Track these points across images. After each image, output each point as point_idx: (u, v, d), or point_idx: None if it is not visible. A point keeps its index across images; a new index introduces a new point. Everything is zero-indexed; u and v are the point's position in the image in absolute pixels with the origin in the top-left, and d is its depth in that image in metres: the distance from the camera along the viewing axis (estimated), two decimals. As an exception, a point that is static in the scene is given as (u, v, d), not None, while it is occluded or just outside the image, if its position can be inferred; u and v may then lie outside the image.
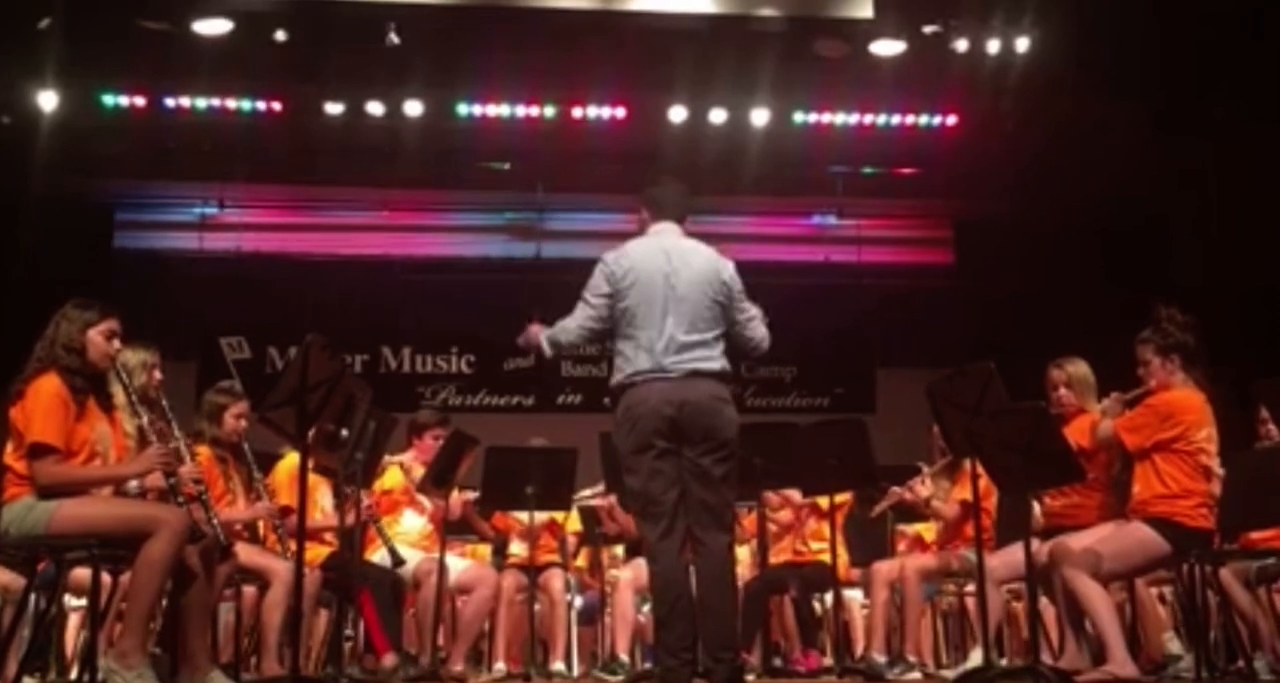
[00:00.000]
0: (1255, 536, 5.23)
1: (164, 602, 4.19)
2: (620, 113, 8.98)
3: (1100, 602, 4.58)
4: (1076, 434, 4.87)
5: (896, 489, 5.96)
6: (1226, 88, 7.82)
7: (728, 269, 4.46)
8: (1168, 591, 5.95)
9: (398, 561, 5.66)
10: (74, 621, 5.73)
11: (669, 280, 4.33)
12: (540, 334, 4.52)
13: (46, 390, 3.99)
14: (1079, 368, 5.15)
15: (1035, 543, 4.67)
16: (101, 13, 7.68)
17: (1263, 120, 7.76)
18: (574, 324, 4.44)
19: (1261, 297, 8.02)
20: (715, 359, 4.32)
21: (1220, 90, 7.85)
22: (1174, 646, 5.50)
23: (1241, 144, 7.96)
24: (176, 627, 4.18)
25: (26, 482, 3.97)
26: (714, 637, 4.15)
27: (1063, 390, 5.11)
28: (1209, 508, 4.63)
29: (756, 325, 4.52)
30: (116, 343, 4.18)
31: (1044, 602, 5.08)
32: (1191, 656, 4.97)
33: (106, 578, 4.41)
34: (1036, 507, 5.36)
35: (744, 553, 6.40)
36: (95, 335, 4.13)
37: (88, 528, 3.93)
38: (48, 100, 8.30)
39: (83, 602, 5.26)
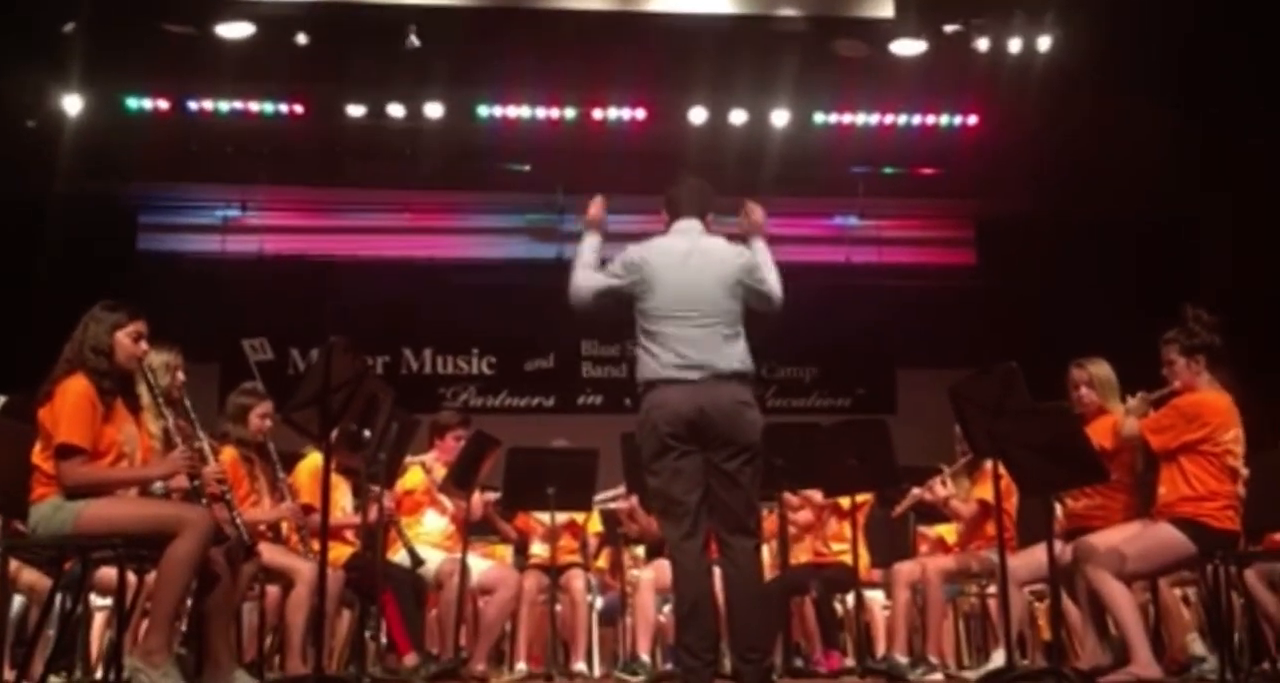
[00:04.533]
0: (1280, 536, 5.20)
1: (189, 602, 4.22)
2: (641, 114, 8.99)
3: (1124, 602, 4.56)
4: (1098, 434, 4.85)
5: (916, 490, 5.95)
6: (1251, 85, 7.77)
7: (744, 256, 4.43)
8: (1191, 592, 5.92)
9: (417, 561, 5.68)
10: (99, 620, 5.77)
11: (689, 280, 4.32)
12: (595, 222, 4.55)
13: (74, 392, 4.02)
14: (1101, 368, 5.13)
15: (1057, 544, 4.65)
16: (125, 16, 7.73)
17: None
18: (589, 274, 4.46)
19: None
20: (737, 359, 4.29)
21: (1244, 87, 7.79)
22: (1198, 647, 5.47)
23: (1267, 142, 7.90)
24: (201, 626, 4.21)
25: (54, 482, 4.00)
26: (742, 638, 4.16)
27: (1084, 390, 5.09)
28: (1235, 510, 4.61)
29: (772, 281, 4.43)
30: (144, 345, 4.22)
31: (1067, 603, 5.06)
32: (1216, 657, 4.94)
33: (132, 578, 4.43)
34: (1058, 508, 5.34)
35: (764, 554, 6.38)
36: (123, 337, 4.16)
37: (114, 528, 3.96)
38: (72, 104, 8.37)
39: (108, 601, 5.29)
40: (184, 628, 4.52)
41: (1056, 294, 9.42)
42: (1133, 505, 4.93)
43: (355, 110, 8.85)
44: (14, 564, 4.64)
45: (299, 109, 8.88)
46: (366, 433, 4.67)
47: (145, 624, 4.22)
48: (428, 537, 6.04)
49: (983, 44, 8.19)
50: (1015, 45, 8.18)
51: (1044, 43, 8.16)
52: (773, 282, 4.44)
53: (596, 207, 4.64)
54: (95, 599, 5.51)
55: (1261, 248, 8.15)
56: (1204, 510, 4.56)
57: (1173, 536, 4.57)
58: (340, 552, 5.58)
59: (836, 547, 6.19)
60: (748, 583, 4.21)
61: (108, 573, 4.51)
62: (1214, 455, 4.60)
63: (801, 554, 6.31)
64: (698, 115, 8.89)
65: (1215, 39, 7.64)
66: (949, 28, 8.14)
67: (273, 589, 5.28)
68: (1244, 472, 4.68)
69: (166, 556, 3.91)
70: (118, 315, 4.19)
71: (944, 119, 9.16)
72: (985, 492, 5.73)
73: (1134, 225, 9.20)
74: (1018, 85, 8.33)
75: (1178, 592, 5.72)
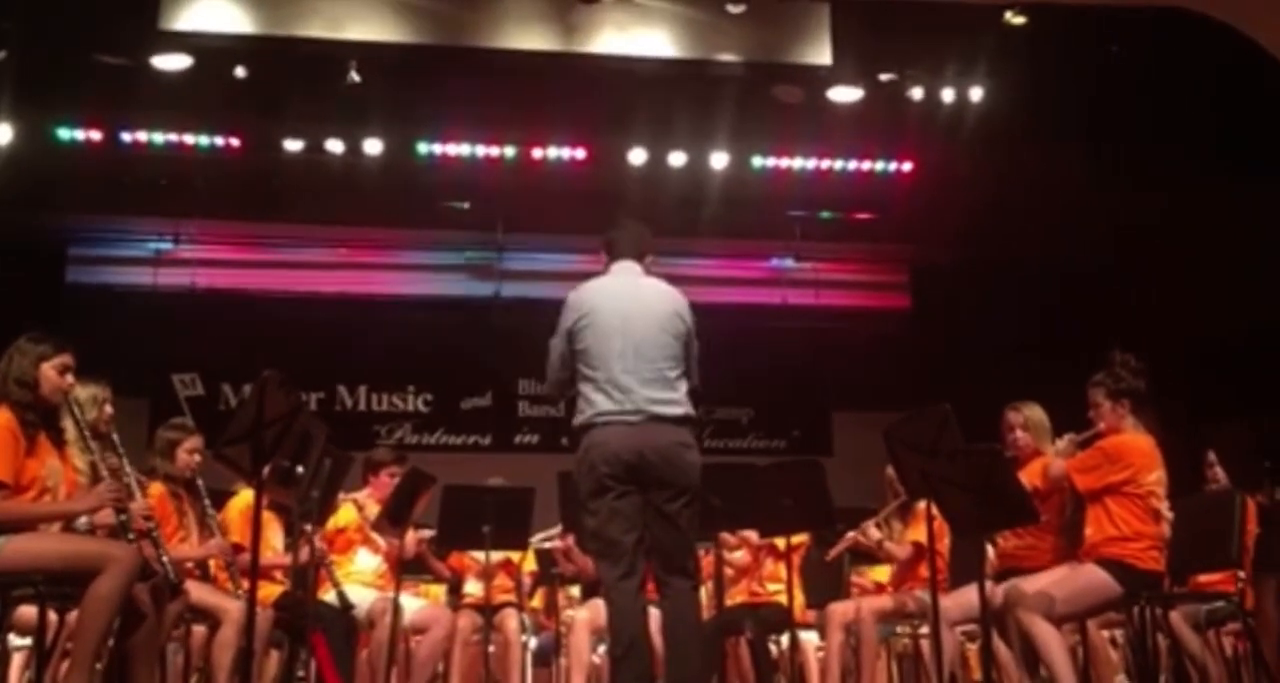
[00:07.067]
0: (1204, 579, 5.30)
1: (111, 641, 4.11)
2: (580, 154, 9.04)
3: (1054, 644, 4.61)
4: (1032, 477, 4.92)
5: (850, 534, 5.98)
6: (1178, 137, 7.99)
7: (684, 307, 4.47)
8: (1119, 633, 5.99)
9: (346, 606, 5.60)
10: (18, 660, 5.60)
11: (627, 320, 4.33)
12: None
13: (-3, 424, 3.94)
14: (1035, 411, 5.21)
15: (989, 584, 4.69)
16: (58, 46, 7.64)
17: (1213, 170, 7.93)
18: (551, 373, 4.48)
19: (1208, 343, 8.16)
20: (677, 402, 4.31)
21: (1172, 139, 8.01)
22: (1125, 688, 5.54)
23: (1193, 192, 8.11)
24: (124, 667, 4.10)
25: (-27, 517, 3.90)
26: (677, 680, 4.14)
27: (1019, 433, 5.17)
28: (1159, 551, 4.69)
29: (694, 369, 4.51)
30: (70, 378, 4.14)
31: (998, 643, 5.09)
32: (1143, 698, 5.00)
33: (53, 616, 4.32)
34: (990, 548, 5.39)
35: (701, 595, 6.37)
36: (48, 370, 4.09)
37: (35, 564, 3.87)
38: (2, 133, 8.23)
39: (27, 641, 5.15)
40: (105, 669, 4.40)
41: (989, 337, 9.56)
42: (1062, 547, 4.99)
43: (293, 145, 8.80)
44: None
45: (235, 143, 8.81)
46: (299, 470, 4.60)
47: (65, 665, 4.11)
48: (360, 575, 5.96)
49: (917, 93, 8.37)
50: (948, 95, 8.37)
51: (976, 93, 8.36)
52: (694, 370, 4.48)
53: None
54: (14, 639, 5.36)
55: (1186, 295, 8.35)
56: (1129, 551, 4.63)
57: (1099, 577, 4.63)
58: (269, 591, 5.47)
59: (771, 587, 6.19)
60: (685, 624, 4.20)
61: (27, 612, 4.40)
62: (1138, 497, 4.68)
63: (737, 595, 6.30)
64: (637, 156, 8.96)
65: (1139, 92, 7.85)
66: (884, 76, 8.30)
67: (199, 629, 5.17)
68: (1168, 514, 4.77)
69: (89, 593, 3.82)
70: (43, 347, 4.12)
71: (879, 165, 9.33)
72: (919, 533, 5.76)
73: (1064, 272, 9.38)
74: (951, 134, 8.51)
75: (1105, 633, 5.79)
